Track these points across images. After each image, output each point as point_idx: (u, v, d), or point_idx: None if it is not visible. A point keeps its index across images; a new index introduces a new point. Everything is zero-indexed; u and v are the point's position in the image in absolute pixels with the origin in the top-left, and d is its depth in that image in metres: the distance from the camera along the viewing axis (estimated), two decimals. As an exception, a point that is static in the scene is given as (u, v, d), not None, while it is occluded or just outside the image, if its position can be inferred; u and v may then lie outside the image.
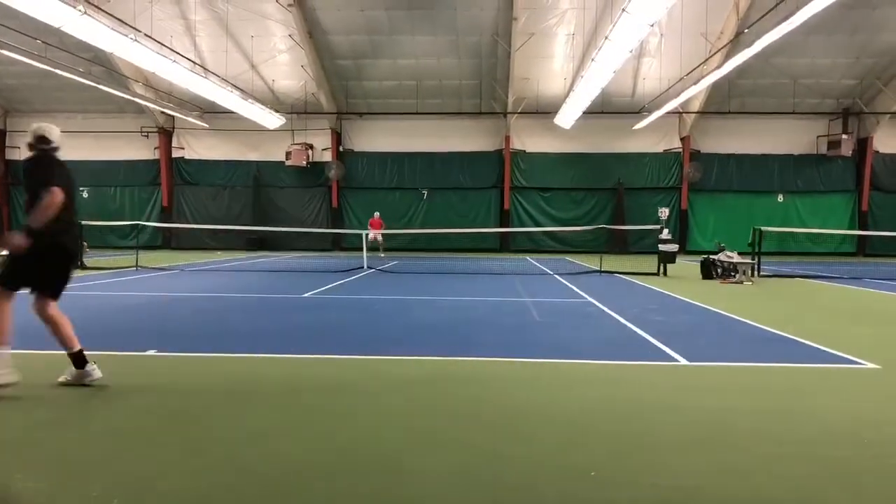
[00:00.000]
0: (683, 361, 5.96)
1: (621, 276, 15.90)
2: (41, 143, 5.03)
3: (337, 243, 28.78)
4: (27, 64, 18.52)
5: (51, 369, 5.47)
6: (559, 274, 16.34)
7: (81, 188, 30.12)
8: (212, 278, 14.64)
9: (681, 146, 28.43)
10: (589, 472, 3.29)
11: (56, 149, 5.09)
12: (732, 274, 14.71)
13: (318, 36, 24.36)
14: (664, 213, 20.56)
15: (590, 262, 20.82)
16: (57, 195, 4.63)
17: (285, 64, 25.97)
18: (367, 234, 19.57)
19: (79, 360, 4.90)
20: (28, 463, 3.33)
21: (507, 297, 11.20)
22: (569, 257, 24.58)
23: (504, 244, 28.70)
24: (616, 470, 3.32)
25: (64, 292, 5.06)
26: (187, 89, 22.04)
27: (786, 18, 13.97)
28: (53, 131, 5.11)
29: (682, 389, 5.01)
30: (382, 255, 24.66)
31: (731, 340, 7.23)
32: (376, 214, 25.60)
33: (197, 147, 29.73)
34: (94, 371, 4.90)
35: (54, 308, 5.02)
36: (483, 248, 28.46)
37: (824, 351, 6.52)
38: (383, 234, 24.36)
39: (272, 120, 25.43)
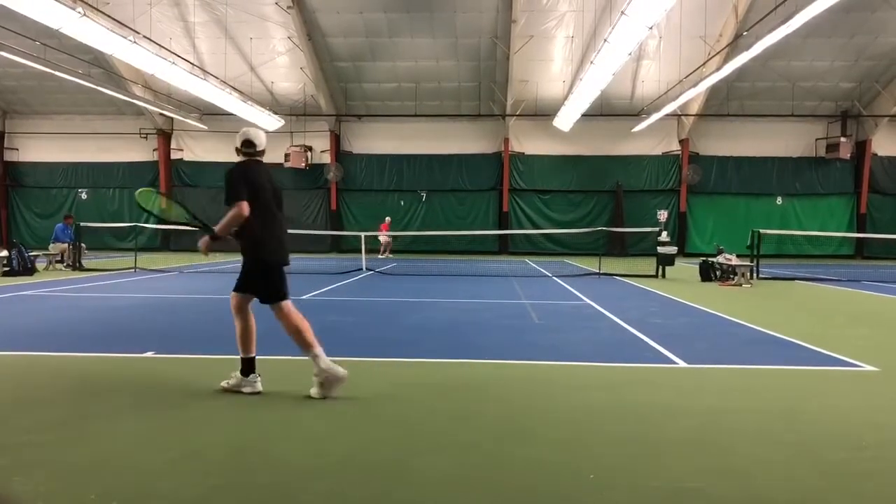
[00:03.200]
0: (682, 364, 5.96)
1: (620, 278, 15.91)
2: (245, 148, 4.96)
3: (335, 245, 28.78)
4: (26, 65, 18.53)
5: (50, 371, 5.47)
6: (558, 276, 16.34)
7: (80, 190, 30.16)
8: (210, 280, 14.63)
9: (679, 148, 28.47)
10: (588, 474, 3.29)
11: (257, 154, 4.99)
12: (731, 276, 14.71)
13: (317, 38, 24.38)
14: (663, 215, 20.59)
15: (589, 264, 20.84)
16: (241, 208, 4.66)
17: (284, 66, 25.99)
18: (363, 237, 19.53)
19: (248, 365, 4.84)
20: (27, 465, 3.32)
21: (506, 299, 11.20)
22: (567, 259, 24.59)
23: (503, 246, 28.70)
24: (615, 472, 3.32)
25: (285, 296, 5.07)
26: (186, 91, 22.04)
27: (784, 21, 14.00)
28: (259, 136, 5.01)
29: (681, 391, 5.01)
30: (383, 256, 24.92)
31: (729, 343, 7.23)
32: (388, 219, 25.90)
33: (195, 149, 29.74)
34: (257, 383, 4.80)
35: (283, 309, 4.97)
36: (482, 251, 28.47)
37: (823, 353, 6.52)
38: (390, 237, 25.11)
39: (271, 122, 25.43)
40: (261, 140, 5.01)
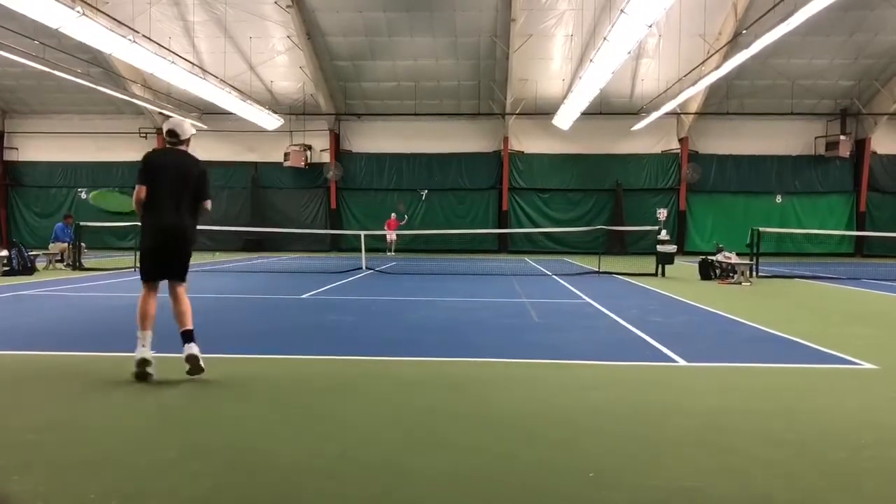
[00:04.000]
0: (682, 362, 5.96)
1: (620, 276, 15.91)
2: (169, 137, 5.48)
3: (335, 244, 28.77)
4: (25, 65, 18.50)
5: (49, 371, 5.46)
6: (558, 275, 16.34)
7: (80, 189, 30.15)
8: (210, 279, 14.63)
9: (679, 147, 28.47)
10: (587, 473, 3.29)
11: (180, 143, 5.49)
12: (731, 274, 14.71)
13: (316, 37, 24.37)
14: (662, 213, 20.60)
15: (588, 262, 20.83)
16: (138, 192, 5.20)
17: (284, 65, 25.98)
18: (363, 236, 19.58)
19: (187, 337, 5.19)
20: (25, 464, 3.32)
21: (505, 298, 11.20)
22: (567, 258, 24.58)
23: (502, 245, 28.70)
24: (615, 471, 3.32)
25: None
26: (186, 90, 22.04)
27: (784, 19, 13.99)
28: (182, 126, 5.52)
29: (681, 390, 5.01)
30: (391, 253, 25.23)
31: (729, 341, 7.23)
32: (393, 216, 26.09)
33: (195, 148, 29.19)
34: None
35: (176, 289, 5.39)
36: (481, 250, 28.48)
37: (822, 351, 6.52)
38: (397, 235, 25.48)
39: (270, 121, 25.43)
40: (183, 129, 5.47)
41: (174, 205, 5.20)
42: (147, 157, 5.34)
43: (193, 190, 5.31)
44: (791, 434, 3.94)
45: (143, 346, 5.05)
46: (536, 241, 28.88)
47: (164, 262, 5.26)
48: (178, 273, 5.33)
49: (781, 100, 26.50)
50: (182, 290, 5.34)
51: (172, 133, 5.37)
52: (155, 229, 5.20)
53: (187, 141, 5.44)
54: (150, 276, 5.29)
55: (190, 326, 5.18)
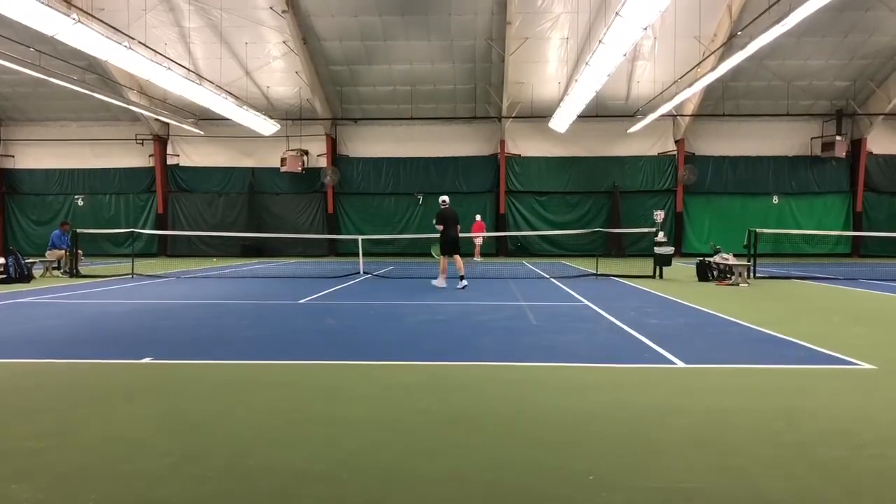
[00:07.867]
0: (680, 364, 5.96)
1: (617, 278, 15.92)
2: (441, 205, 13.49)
3: (332, 249, 28.77)
4: (21, 72, 18.48)
5: (47, 378, 5.45)
6: (555, 277, 16.35)
7: (76, 196, 30.17)
8: (207, 285, 14.60)
9: (675, 149, 28.53)
10: (587, 475, 3.29)
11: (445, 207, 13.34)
12: (728, 276, 14.73)
13: (312, 42, 24.40)
14: (659, 215, 20.64)
15: (586, 265, 20.84)
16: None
17: (280, 70, 26.00)
18: (360, 240, 19.48)
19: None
20: (25, 472, 3.31)
21: (503, 301, 11.20)
22: (565, 261, 24.59)
23: (500, 248, 28.71)
24: (614, 473, 3.32)
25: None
26: (182, 96, 22.03)
27: (779, 21, 14.04)
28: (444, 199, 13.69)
29: (679, 391, 5.01)
30: (479, 259, 24.18)
31: (727, 342, 7.24)
32: (478, 217, 24.98)
33: (192, 154, 29.72)
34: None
35: (456, 259, 13.10)
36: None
37: (820, 352, 6.53)
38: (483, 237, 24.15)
39: (267, 126, 25.43)
40: (445, 200, 13.25)
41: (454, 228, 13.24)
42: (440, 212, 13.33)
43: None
44: (790, 434, 3.95)
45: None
46: (534, 244, 28.90)
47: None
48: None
49: (777, 101, 26.60)
50: (457, 257, 13.13)
51: (444, 202, 13.49)
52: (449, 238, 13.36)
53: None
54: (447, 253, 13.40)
55: (462, 273, 13.06)
